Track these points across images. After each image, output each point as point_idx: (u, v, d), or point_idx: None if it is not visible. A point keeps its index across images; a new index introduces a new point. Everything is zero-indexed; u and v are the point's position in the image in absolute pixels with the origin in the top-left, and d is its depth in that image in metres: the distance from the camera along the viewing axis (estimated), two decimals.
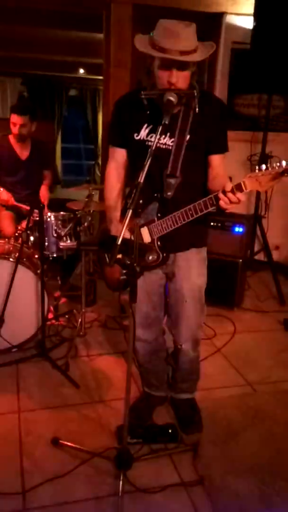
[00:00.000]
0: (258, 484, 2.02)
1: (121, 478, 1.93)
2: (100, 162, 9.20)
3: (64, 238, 3.29)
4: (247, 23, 4.01)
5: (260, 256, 4.35)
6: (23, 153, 3.69)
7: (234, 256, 3.69)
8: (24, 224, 3.31)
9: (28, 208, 3.36)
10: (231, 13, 4.11)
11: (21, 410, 2.46)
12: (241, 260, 3.70)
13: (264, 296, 4.08)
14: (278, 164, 1.64)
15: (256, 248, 4.38)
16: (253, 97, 4.38)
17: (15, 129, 3.53)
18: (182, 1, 3.95)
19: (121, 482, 1.91)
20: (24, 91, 9.58)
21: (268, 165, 1.67)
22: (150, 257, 2.01)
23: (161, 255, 2.01)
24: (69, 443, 2.17)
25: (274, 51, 3.65)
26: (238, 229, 3.69)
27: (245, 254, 3.85)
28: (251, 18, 3.83)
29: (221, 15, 4.12)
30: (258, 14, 3.72)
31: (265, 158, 3.99)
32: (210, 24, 4.13)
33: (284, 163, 1.63)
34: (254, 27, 3.77)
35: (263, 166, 1.67)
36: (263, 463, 2.14)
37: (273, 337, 3.41)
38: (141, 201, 1.66)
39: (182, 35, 1.72)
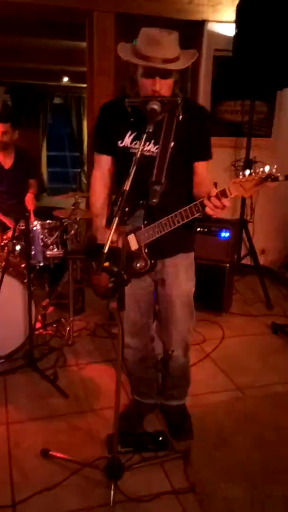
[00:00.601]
0: (249, 489, 2.02)
1: (112, 487, 1.91)
2: (86, 170, 9.20)
3: (51, 246, 3.27)
4: (229, 30, 4.05)
5: (247, 261, 4.38)
6: (7, 162, 3.67)
7: (221, 261, 3.71)
8: (10, 233, 3.28)
9: (12, 224, 3.34)
10: (213, 21, 4.14)
11: (10, 421, 2.43)
12: (228, 265, 3.72)
13: (251, 300, 4.10)
14: (261, 169, 1.66)
15: (242, 253, 4.40)
16: (236, 103, 4.42)
17: None
18: (164, 10, 3.98)
19: (112, 492, 1.90)
20: (8, 100, 9.56)
21: (252, 170, 1.69)
22: (138, 264, 2.01)
23: (149, 262, 2.00)
24: (59, 454, 2.14)
25: (255, 57, 3.69)
26: (225, 234, 3.71)
27: (232, 258, 3.87)
28: (233, 26, 3.87)
29: (202, 23, 4.15)
30: (239, 21, 3.76)
31: (249, 163, 4.03)
32: (192, 32, 4.16)
33: (267, 168, 1.65)
34: (236, 34, 3.81)
35: (247, 172, 1.68)
36: (254, 468, 2.14)
37: (262, 341, 3.43)
38: (127, 209, 1.66)
39: (165, 43, 1.73)
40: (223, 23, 4.13)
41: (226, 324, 3.62)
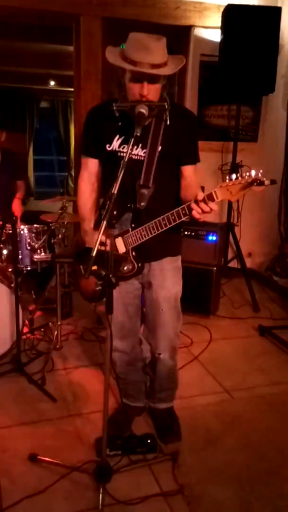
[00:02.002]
0: (237, 491, 2.03)
1: (101, 491, 1.91)
2: (73, 174, 9.18)
3: (38, 250, 3.27)
4: (215, 36, 4.10)
5: (234, 264, 4.41)
6: None
7: (208, 264, 3.73)
8: None
9: None
10: (199, 26, 4.18)
11: None
12: (215, 268, 3.74)
13: (238, 303, 4.13)
14: (247, 174, 1.68)
15: (229, 256, 4.44)
16: (223, 108, 4.47)
17: None
18: (151, 15, 4.01)
19: (101, 495, 1.89)
20: None
21: (238, 174, 1.70)
22: (125, 268, 2.01)
23: (136, 265, 2.01)
24: (47, 459, 2.13)
25: (241, 63, 3.74)
26: (212, 238, 3.73)
27: (219, 262, 3.90)
28: (219, 31, 3.92)
29: (189, 28, 4.19)
30: (225, 27, 3.81)
31: (235, 167, 4.07)
32: (179, 37, 4.20)
33: (253, 173, 1.67)
34: (222, 39, 3.86)
35: (234, 176, 1.70)
36: (242, 470, 2.16)
37: (249, 343, 3.45)
38: (115, 212, 1.66)
39: (153, 48, 1.75)
40: (209, 28, 4.17)
41: (213, 327, 3.64)
